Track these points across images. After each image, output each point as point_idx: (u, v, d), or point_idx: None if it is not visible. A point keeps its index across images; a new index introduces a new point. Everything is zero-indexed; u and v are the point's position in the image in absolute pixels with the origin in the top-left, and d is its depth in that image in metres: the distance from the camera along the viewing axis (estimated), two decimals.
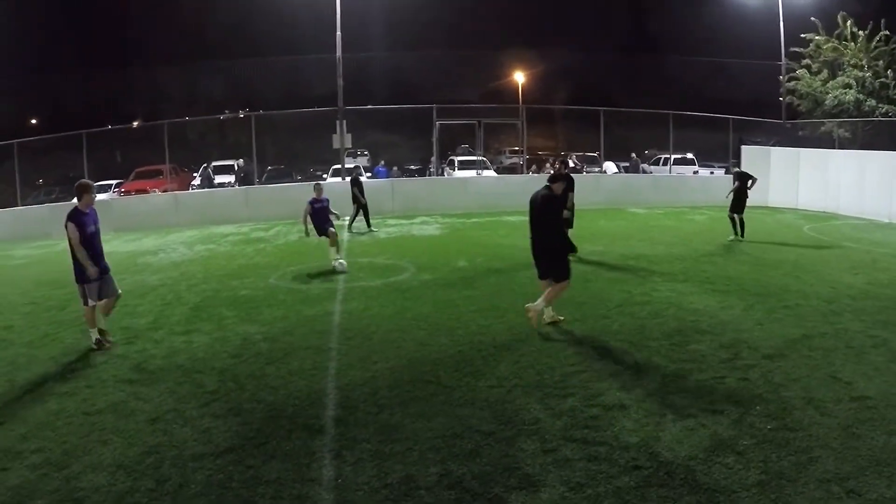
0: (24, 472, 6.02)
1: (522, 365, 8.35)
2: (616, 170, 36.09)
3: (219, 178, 35.77)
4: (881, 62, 34.54)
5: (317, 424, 6.79)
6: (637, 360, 8.49)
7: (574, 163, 37.22)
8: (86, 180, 10.33)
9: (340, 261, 15.08)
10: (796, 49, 35.95)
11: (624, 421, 6.62)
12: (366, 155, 43.26)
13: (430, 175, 35.48)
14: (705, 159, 37.41)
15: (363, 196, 22.24)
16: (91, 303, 9.72)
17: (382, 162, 36.64)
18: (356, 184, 22.40)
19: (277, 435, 6.56)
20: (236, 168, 37.77)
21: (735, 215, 18.55)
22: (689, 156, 37.26)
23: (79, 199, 10.10)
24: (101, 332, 9.88)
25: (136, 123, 41.30)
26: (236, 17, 57.04)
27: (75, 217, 9.86)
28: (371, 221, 22.54)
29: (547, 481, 5.52)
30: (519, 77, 58.31)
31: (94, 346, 9.70)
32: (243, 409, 7.25)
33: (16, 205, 28.69)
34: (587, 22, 70.87)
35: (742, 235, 18.43)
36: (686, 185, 31.53)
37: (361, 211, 22.28)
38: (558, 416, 6.77)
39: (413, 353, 8.99)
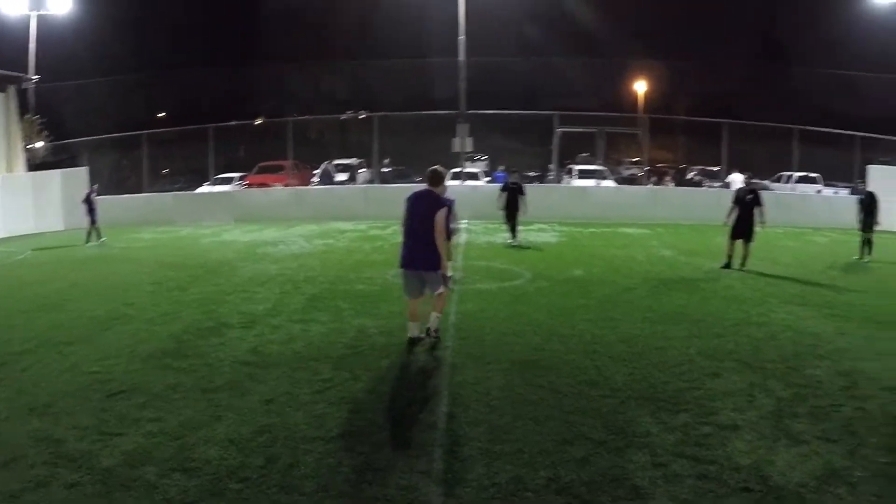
0: (139, 438, 6.38)
1: (636, 377, 8.30)
2: (742, 182, 35.19)
3: (338, 177, 36.54)
4: None
5: (429, 419, 6.92)
6: (752, 381, 8.31)
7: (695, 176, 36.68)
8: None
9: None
10: None
11: (736, 441, 6.50)
12: (485, 159, 43.38)
13: (549, 182, 35.41)
14: (830, 178, 36.02)
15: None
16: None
17: (502, 167, 36.71)
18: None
19: (389, 426, 6.76)
20: (354, 166, 38.38)
21: (865, 234, 18.08)
22: (814, 174, 35.98)
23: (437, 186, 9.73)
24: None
25: (260, 120, 42.42)
26: (361, 19, 58.24)
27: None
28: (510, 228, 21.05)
29: (655, 495, 5.49)
30: (640, 87, 57.51)
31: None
32: (357, 399, 7.45)
33: (142, 191, 30.02)
34: (712, 32, 69.25)
35: (870, 253, 17.97)
36: (809, 205, 30.55)
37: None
38: (670, 430, 6.71)
39: (526, 357, 9.04)
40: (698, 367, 8.76)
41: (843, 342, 10.17)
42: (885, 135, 33.61)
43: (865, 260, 17.89)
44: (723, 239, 16.78)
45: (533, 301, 12.52)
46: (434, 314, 9.69)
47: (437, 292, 9.56)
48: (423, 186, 9.88)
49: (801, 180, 34.92)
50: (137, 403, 7.24)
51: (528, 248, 19.85)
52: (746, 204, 15.88)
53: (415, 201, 9.63)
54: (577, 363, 8.80)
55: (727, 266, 15.96)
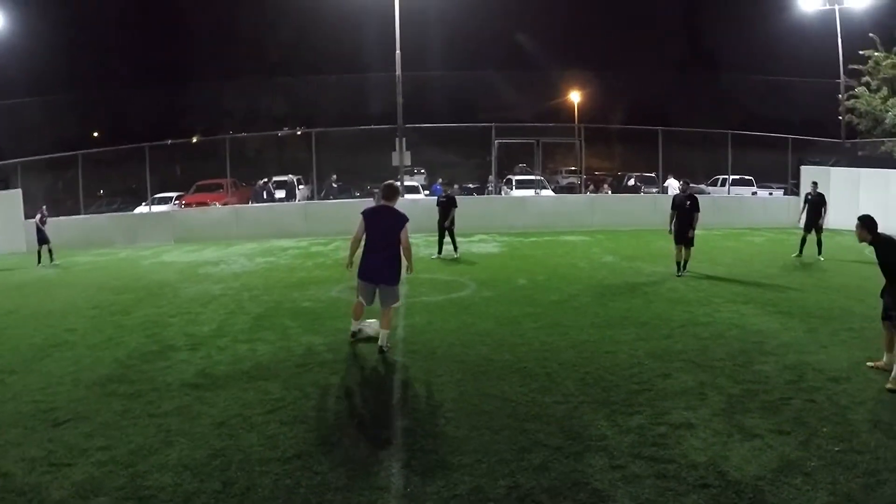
0: (89, 468, 6.16)
1: (588, 382, 8.34)
2: (679, 187, 35.79)
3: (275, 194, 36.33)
4: None
5: (384, 434, 6.84)
6: (702, 379, 8.42)
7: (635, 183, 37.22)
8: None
9: None
10: (855, 66, 35.20)
11: (691, 440, 6.57)
12: (423, 173, 43.45)
13: (487, 194, 35.55)
14: (764, 180, 36.85)
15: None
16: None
17: (441, 180, 36.77)
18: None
19: (345, 443, 6.63)
20: (293, 183, 38.14)
21: (816, 235, 18.54)
22: (748, 177, 36.74)
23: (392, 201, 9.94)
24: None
25: (196, 138, 41.93)
26: (297, 35, 58.04)
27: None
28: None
29: (616, 497, 5.50)
30: (575, 97, 58.27)
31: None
32: (309, 417, 7.33)
33: (79, 213, 29.41)
34: (644, 41, 70.60)
35: (820, 253, 18.59)
36: (745, 207, 31.21)
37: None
38: (626, 433, 6.74)
39: (477, 368, 9.00)
40: (649, 369, 8.84)
41: (787, 337, 10.40)
42: (816, 137, 34.59)
43: (822, 259, 18.36)
44: (667, 244, 16.98)
45: (480, 311, 12.51)
46: (383, 331, 9.77)
47: (388, 307, 9.69)
48: (369, 202, 9.94)
49: (737, 183, 35.63)
50: (85, 432, 7.00)
51: (471, 259, 19.83)
52: (686, 209, 16.07)
53: (373, 216, 9.72)
54: (528, 371, 8.80)
55: (679, 271, 16.10)
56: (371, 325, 10.34)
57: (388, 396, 8.04)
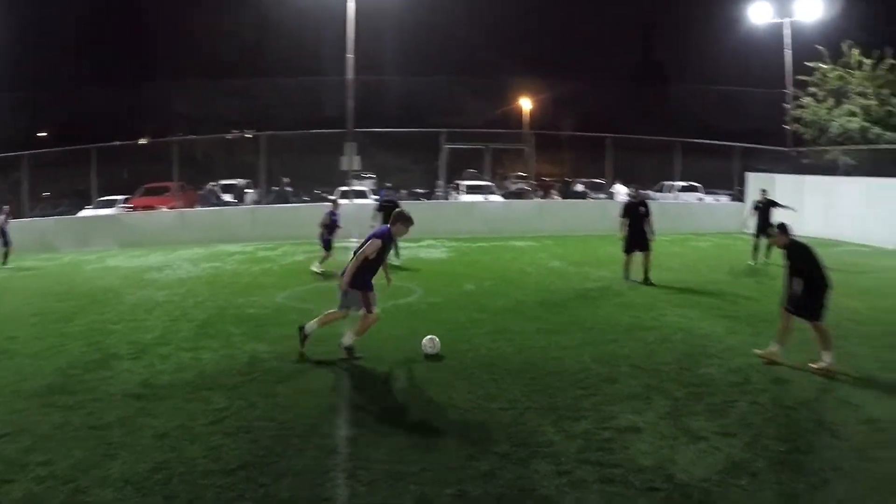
0: (29, 484, 5.99)
1: (534, 388, 8.33)
2: (626, 193, 36.19)
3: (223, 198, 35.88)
4: (887, 90, 34.71)
5: (329, 444, 6.75)
6: (648, 383, 8.49)
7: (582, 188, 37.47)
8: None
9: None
10: (802, 77, 36.07)
11: (638, 444, 6.61)
12: (372, 178, 43.30)
13: (436, 198, 35.50)
14: (711, 186, 37.40)
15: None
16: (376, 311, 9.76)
17: (387, 185, 36.67)
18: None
19: (289, 454, 6.52)
20: (241, 187, 37.75)
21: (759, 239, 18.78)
22: (695, 184, 37.26)
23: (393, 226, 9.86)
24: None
25: (145, 140, 41.22)
26: (251, 38, 57.51)
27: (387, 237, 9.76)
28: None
29: (563, 503, 5.49)
30: (526, 103, 58.57)
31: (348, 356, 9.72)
32: (254, 427, 7.19)
33: (23, 216, 28.76)
34: (595, 50, 71.27)
35: (768, 257, 18.69)
36: (691, 212, 31.58)
37: None
38: (572, 438, 6.75)
39: (424, 375, 8.96)
40: (595, 374, 8.88)
41: (733, 340, 10.54)
42: (762, 145, 35.27)
43: (765, 262, 18.57)
44: (615, 250, 17.04)
45: (427, 317, 12.43)
46: (349, 332, 9.77)
47: (359, 312, 9.72)
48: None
49: (684, 189, 36.10)
50: (24, 446, 6.78)
51: (418, 265, 19.70)
52: (638, 216, 16.11)
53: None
54: (475, 378, 8.77)
55: (627, 278, 16.12)
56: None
57: (334, 404, 7.93)
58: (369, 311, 9.64)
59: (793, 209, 19.14)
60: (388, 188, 22.78)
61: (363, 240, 9.80)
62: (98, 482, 5.99)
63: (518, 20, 68.74)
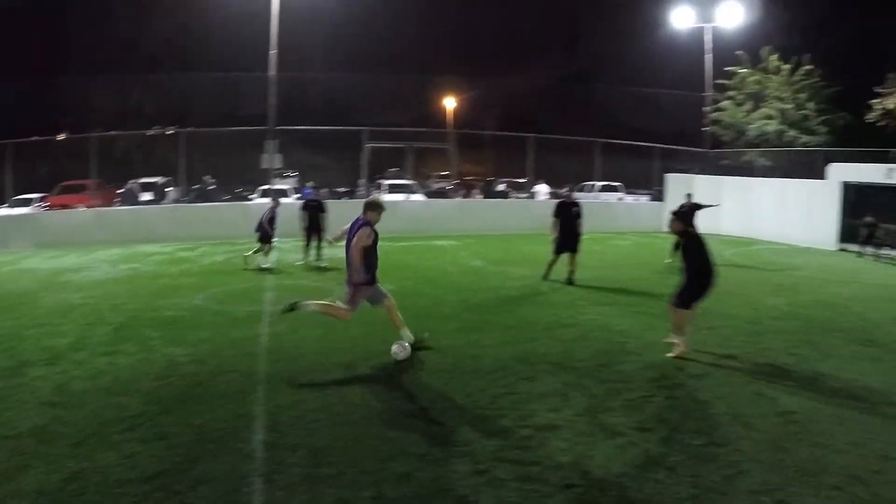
0: None
1: (452, 387, 8.36)
2: (548, 193, 36.61)
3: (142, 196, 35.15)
4: (803, 94, 36.03)
5: (246, 448, 6.65)
6: (566, 381, 8.60)
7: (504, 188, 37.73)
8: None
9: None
10: (722, 81, 37.20)
11: (555, 441, 6.69)
12: (295, 176, 42.84)
13: (358, 197, 35.32)
14: (631, 186, 38.13)
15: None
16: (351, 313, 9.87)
17: (310, 183, 36.30)
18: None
19: (205, 459, 6.41)
20: (161, 185, 37.03)
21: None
22: (616, 183, 37.92)
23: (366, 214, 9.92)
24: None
25: (63, 136, 40.04)
26: (173, 32, 56.29)
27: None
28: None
29: (480, 502, 5.53)
30: (451, 102, 58.71)
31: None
32: (170, 433, 7.05)
33: None
34: (521, 50, 71.81)
35: None
36: (612, 212, 32.05)
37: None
38: (490, 437, 6.79)
39: (342, 377, 8.92)
40: (513, 373, 8.95)
41: (650, 337, 10.76)
42: (682, 146, 36.15)
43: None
44: (535, 248, 17.13)
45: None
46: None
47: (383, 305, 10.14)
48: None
49: (604, 189, 36.69)
50: None
51: (340, 264, 19.25)
52: (571, 216, 16.10)
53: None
54: (394, 378, 8.78)
55: (546, 278, 16.20)
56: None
57: (249, 409, 7.79)
58: (351, 306, 9.78)
59: (716, 205, 19.70)
60: (314, 187, 22.39)
61: (347, 235, 9.94)
62: (11, 494, 5.80)
63: (444, 18, 68.82)
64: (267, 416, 7.55)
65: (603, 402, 7.80)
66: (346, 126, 36.44)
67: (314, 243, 19.34)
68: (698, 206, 19.52)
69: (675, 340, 9.78)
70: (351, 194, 37.51)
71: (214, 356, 9.69)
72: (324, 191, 28.28)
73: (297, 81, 43.23)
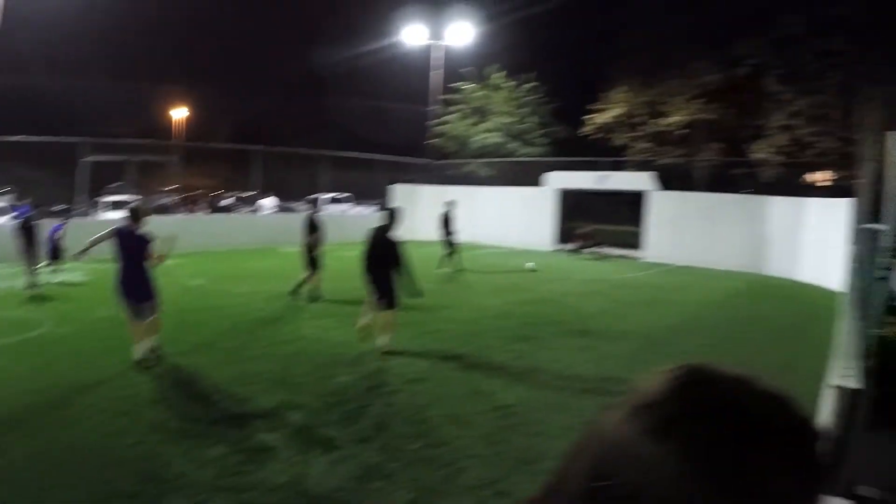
0: None
1: (165, 417, 8.02)
2: (275, 207, 36.31)
3: None
4: (526, 109, 39.02)
5: None
6: (282, 398, 8.56)
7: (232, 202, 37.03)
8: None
9: None
10: (448, 96, 39.28)
11: (272, 463, 6.65)
12: (13, 192, 39.56)
13: (76, 216, 33.23)
14: (360, 197, 38.96)
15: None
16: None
17: (29, 200, 33.69)
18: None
19: None
20: None
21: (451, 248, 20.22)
22: (344, 195, 38.55)
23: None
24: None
25: None
26: None
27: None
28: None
29: None
30: (181, 113, 56.92)
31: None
32: None
33: None
34: (253, 61, 70.97)
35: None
36: (340, 224, 32.32)
37: None
38: (205, 466, 6.61)
39: (50, 415, 8.19)
40: (229, 396, 8.77)
41: (368, 346, 10.94)
42: (410, 157, 37.60)
43: (449, 269, 19.98)
44: (258, 264, 16.91)
45: (58, 352, 11.20)
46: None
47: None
48: None
49: (333, 201, 37.09)
50: None
51: (49, 292, 17.50)
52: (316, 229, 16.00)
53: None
54: (106, 413, 8.16)
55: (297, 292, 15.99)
56: None
57: None
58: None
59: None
60: (34, 205, 20.53)
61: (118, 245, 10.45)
62: None
63: (176, 27, 66.33)
64: None
65: (320, 417, 7.87)
66: (66, 136, 34.09)
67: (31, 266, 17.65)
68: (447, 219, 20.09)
69: (387, 340, 10.36)
70: (69, 212, 35.27)
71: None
72: (37, 210, 26.32)
73: (9, 87, 40.12)
